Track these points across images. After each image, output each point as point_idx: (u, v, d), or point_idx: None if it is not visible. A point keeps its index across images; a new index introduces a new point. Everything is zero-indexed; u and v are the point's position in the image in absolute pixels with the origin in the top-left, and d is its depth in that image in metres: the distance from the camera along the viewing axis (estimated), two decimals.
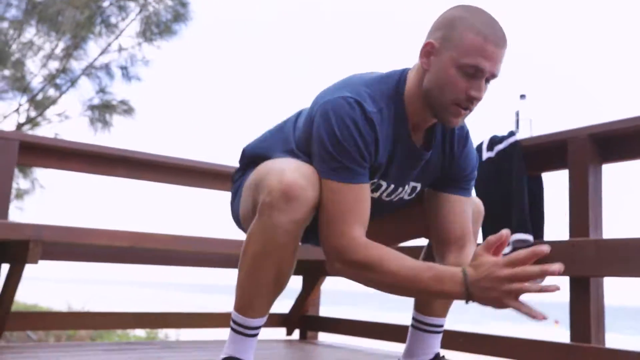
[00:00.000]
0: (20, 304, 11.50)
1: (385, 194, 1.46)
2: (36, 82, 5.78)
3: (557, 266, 1.16)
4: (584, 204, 2.15)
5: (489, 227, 2.33)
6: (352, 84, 1.34)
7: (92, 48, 5.88)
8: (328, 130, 1.27)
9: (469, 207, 1.52)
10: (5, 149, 2.62)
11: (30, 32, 5.57)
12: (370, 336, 3.00)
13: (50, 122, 5.94)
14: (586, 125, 2.19)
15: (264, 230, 1.26)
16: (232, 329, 1.37)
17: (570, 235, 2.18)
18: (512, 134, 2.41)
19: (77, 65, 5.80)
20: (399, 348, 2.81)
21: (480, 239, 2.38)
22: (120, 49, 5.89)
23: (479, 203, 1.63)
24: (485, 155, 2.43)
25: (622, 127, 2.09)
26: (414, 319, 1.65)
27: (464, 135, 1.49)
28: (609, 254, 2.00)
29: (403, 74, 1.38)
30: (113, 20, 5.74)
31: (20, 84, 5.58)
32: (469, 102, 1.30)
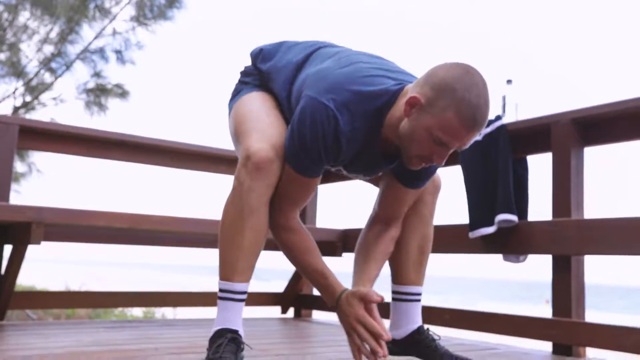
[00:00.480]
0: (17, 285, 11.59)
1: (345, 173, 1.62)
2: (31, 66, 5.80)
3: (382, 352, 1.43)
4: (566, 186, 2.24)
5: (476, 206, 2.42)
6: (340, 90, 1.38)
7: (87, 32, 5.90)
8: (301, 128, 1.39)
9: (414, 195, 1.64)
10: (5, 133, 2.68)
11: (24, 16, 5.59)
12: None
13: (46, 105, 5.97)
14: (569, 110, 2.26)
15: (239, 197, 1.42)
16: (220, 298, 1.46)
17: (553, 216, 2.27)
18: (498, 118, 2.48)
19: (72, 50, 5.82)
20: (387, 324, 2.92)
21: (463, 217, 2.47)
22: (115, 33, 5.90)
23: (436, 178, 1.73)
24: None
25: (603, 111, 2.17)
26: (392, 291, 1.76)
27: None
28: (589, 234, 2.09)
29: (394, 95, 1.42)
30: (107, 4, 5.74)
31: (15, 68, 5.60)
32: (429, 162, 1.40)
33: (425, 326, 1.72)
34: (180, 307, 3.23)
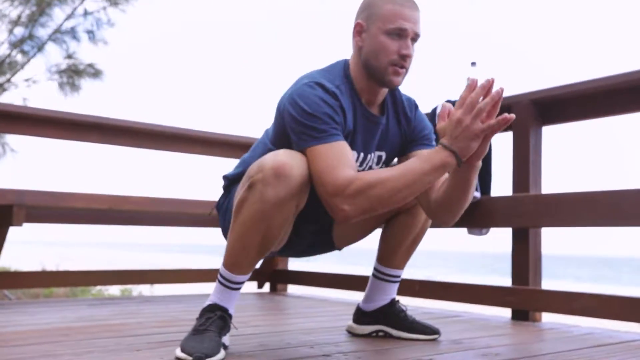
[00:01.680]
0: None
1: (357, 163, 1.61)
2: (3, 49, 5.75)
3: (488, 80, 1.34)
4: (525, 163, 2.37)
5: None
6: (306, 76, 1.53)
7: (58, 13, 5.85)
8: (297, 110, 1.44)
9: None
10: None
11: None
12: (334, 287, 3.24)
13: (18, 87, 5.93)
14: (528, 91, 2.39)
15: (254, 202, 1.40)
16: (219, 282, 1.53)
17: (513, 191, 2.41)
18: None
19: (43, 31, 5.77)
20: (359, 296, 3.06)
21: None
22: (86, 14, 5.87)
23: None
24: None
25: (560, 92, 2.30)
26: (375, 269, 1.85)
27: (412, 104, 1.70)
28: (546, 208, 2.23)
29: (345, 62, 1.61)
30: None
31: None
32: (402, 60, 1.51)
33: (396, 298, 1.85)
34: (159, 284, 3.32)
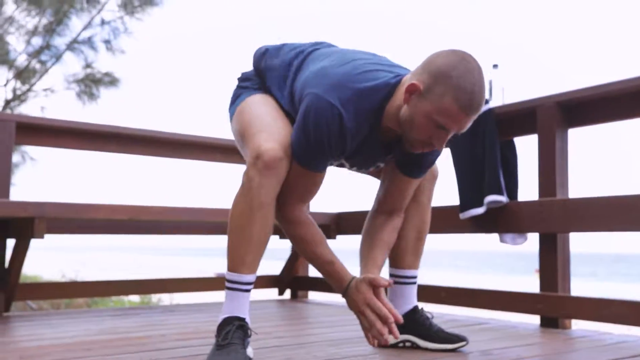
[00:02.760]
0: (24, 275, 11.63)
1: (347, 167, 1.69)
2: (22, 59, 5.79)
3: (386, 337, 1.47)
4: (551, 166, 2.32)
5: (465, 189, 2.50)
6: (343, 89, 1.44)
7: (75, 23, 5.88)
8: (305, 126, 1.44)
9: (415, 185, 1.70)
10: (3, 130, 2.72)
11: (10, 8, 5.56)
12: None
13: (37, 96, 5.97)
14: (553, 93, 2.34)
15: (249, 192, 1.47)
16: (228, 288, 1.52)
17: (539, 196, 2.36)
18: (485, 102, 2.56)
19: (61, 41, 5.81)
20: None
21: (454, 199, 2.56)
22: (103, 23, 5.89)
23: (434, 166, 1.79)
24: None
25: (585, 94, 2.25)
26: (390, 274, 1.84)
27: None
28: (573, 212, 2.18)
29: (393, 87, 1.49)
30: None
31: (4, 60, 5.59)
32: (431, 146, 1.46)
33: (420, 306, 1.81)
34: (178, 293, 3.31)
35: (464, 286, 2.62)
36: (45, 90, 5.89)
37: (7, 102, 5.61)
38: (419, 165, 1.64)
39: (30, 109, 6.02)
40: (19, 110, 5.81)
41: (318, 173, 1.53)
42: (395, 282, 1.82)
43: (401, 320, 1.46)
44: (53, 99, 5.97)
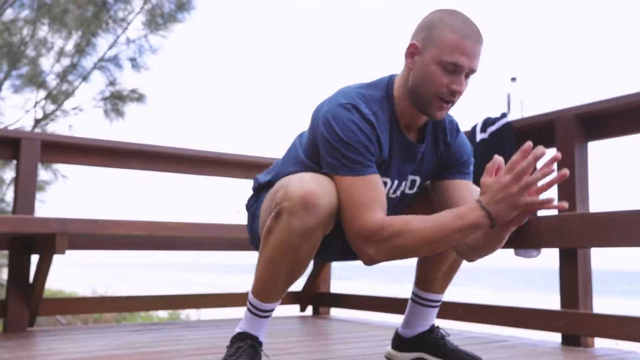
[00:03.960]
0: (46, 290, 11.88)
1: (391, 190, 1.57)
2: (51, 78, 5.97)
3: (540, 149, 1.25)
4: (570, 180, 2.28)
5: None
6: (345, 92, 1.46)
7: (102, 42, 6.05)
8: (332, 134, 1.38)
9: (472, 188, 1.61)
10: (29, 149, 2.79)
11: (44, 30, 5.75)
12: (377, 310, 3.17)
13: (66, 115, 6.13)
14: (572, 105, 2.31)
15: (281, 231, 1.37)
16: (248, 309, 1.52)
17: (558, 210, 2.31)
18: (504, 115, 2.53)
19: (88, 60, 5.98)
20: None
21: None
22: (128, 42, 6.04)
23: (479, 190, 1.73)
24: (479, 137, 2.55)
25: (605, 106, 2.21)
26: (413, 293, 1.79)
27: (454, 128, 1.62)
28: (593, 227, 2.13)
29: (391, 79, 1.52)
30: (120, 14, 5.88)
31: (35, 81, 5.76)
32: (451, 96, 1.42)
33: (436, 324, 1.78)
34: (203, 308, 3.33)
35: (482, 302, 2.58)
36: (73, 109, 6.06)
37: (37, 122, 5.78)
38: (460, 158, 1.59)
39: (59, 127, 6.19)
40: (48, 129, 5.97)
41: (370, 176, 1.38)
42: (418, 303, 1.78)
43: (540, 151, 1.24)
44: (81, 117, 6.15)
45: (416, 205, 1.65)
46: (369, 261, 1.38)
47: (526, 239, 2.36)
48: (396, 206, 1.60)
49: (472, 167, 1.64)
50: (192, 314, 8.67)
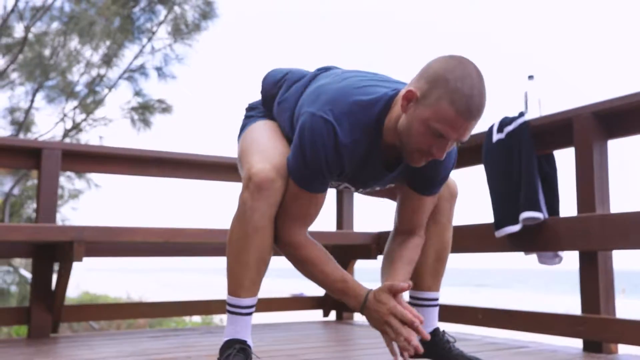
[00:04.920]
0: (91, 294, 12.13)
1: (353, 189, 1.65)
2: (79, 89, 6.11)
3: (416, 343, 1.41)
4: (589, 180, 2.20)
5: (500, 205, 2.41)
6: (338, 105, 1.42)
7: (128, 53, 6.16)
8: (302, 144, 1.42)
9: (431, 202, 1.65)
10: (50, 158, 2.85)
11: (74, 41, 5.89)
12: None
13: (95, 126, 6.27)
14: (590, 103, 2.23)
15: (243, 216, 1.46)
16: (228, 312, 1.53)
17: (578, 211, 2.24)
18: (521, 114, 2.47)
19: (115, 70, 6.10)
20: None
21: (490, 216, 2.47)
22: (154, 51, 6.14)
23: (452, 185, 1.72)
24: (496, 137, 2.49)
25: (624, 103, 2.12)
26: (409, 296, 1.78)
27: (439, 161, 1.57)
28: (614, 228, 2.05)
29: (390, 100, 1.45)
30: (147, 25, 5.99)
31: (65, 92, 5.91)
32: (431, 155, 1.41)
33: (441, 329, 1.74)
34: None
35: (502, 307, 2.51)
36: (102, 119, 6.19)
37: (67, 132, 5.92)
38: (431, 181, 1.58)
39: (89, 137, 6.34)
40: (81, 139, 6.12)
41: (317, 194, 1.49)
42: (415, 305, 1.76)
43: (422, 319, 1.42)
44: (110, 127, 6.28)
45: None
46: (279, 247, 1.57)
47: (545, 241, 2.29)
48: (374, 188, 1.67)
49: (443, 184, 1.65)
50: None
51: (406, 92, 1.36)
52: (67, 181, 6.49)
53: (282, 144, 1.58)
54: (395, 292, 1.44)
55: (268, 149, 1.53)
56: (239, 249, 1.48)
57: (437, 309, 1.76)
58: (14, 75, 6.00)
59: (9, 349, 2.32)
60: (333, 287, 1.53)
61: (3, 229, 2.42)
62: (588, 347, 2.15)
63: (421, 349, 1.40)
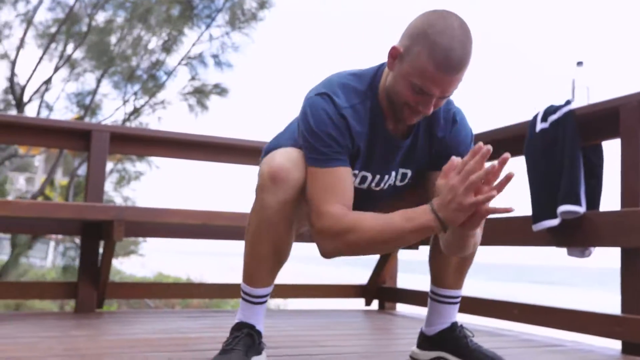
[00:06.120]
0: (164, 275, 12.59)
1: (373, 184, 1.53)
2: (140, 74, 6.31)
3: (487, 148, 1.21)
4: (635, 173, 2.07)
5: (539, 198, 2.31)
6: (329, 81, 1.44)
7: (187, 40, 6.31)
8: (305, 122, 1.40)
9: None
10: (99, 140, 2.96)
11: (138, 28, 6.09)
12: None
13: (156, 109, 6.48)
14: (637, 91, 2.09)
15: (258, 210, 1.42)
16: (242, 297, 1.53)
17: (621, 206, 2.11)
18: (567, 103, 2.35)
19: (175, 57, 6.26)
20: (468, 318, 2.86)
21: (528, 202, 2.37)
22: (211, 39, 6.25)
23: None
24: (539, 126, 2.38)
25: None
26: (430, 291, 1.72)
27: (450, 119, 1.51)
28: None
29: (380, 69, 1.46)
30: (205, 12, 6.10)
31: (128, 77, 6.13)
32: (418, 112, 1.36)
33: (459, 323, 1.69)
34: (290, 298, 3.34)
35: (538, 304, 2.41)
36: (161, 103, 6.37)
37: (128, 116, 6.14)
38: (456, 152, 1.48)
39: (149, 120, 6.55)
40: (138, 123, 6.34)
41: (336, 168, 1.38)
42: (435, 300, 1.70)
43: (487, 148, 1.21)
44: (168, 112, 6.48)
45: (409, 196, 1.58)
46: (324, 254, 1.40)
47: (585, 236, 2.18)
48: (383, 194, 1.57)
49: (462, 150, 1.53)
50: (281, 304, 8.85)
51: (390, 49, 1.35)
52: (130, 163, 6.77)
53: (297, 147, 1.49)
54: (446, 173, 1.26)
55: (283, 150, 1.47)
56: (254, 241, 1.45)
57: (457, 306, 1.71)
58: (82, 62, 6.28)
59: (50, 321, 2.44)
60: (397, 221, 1.31)
61: (50, 207, 2.55)
62: (628, 350, 2.03)
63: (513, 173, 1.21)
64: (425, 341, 1.71)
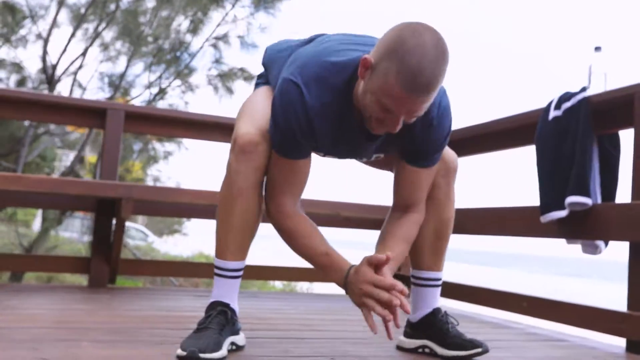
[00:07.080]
0: (204, 255, 12.75)
1: (346, 160, 1.59)
2: (168, 56, 6.34)
3: (399, 301, 1.31)
4: None
5: (548, 188, 2.24)
6: (308, 69, 1.37)
7: (213, 21, 6.30)
8: (275, 111, 1.40)
9: (426, 176, 1.55)
10: (114, 118, 2.99)
11: (166, 10, 6.13)
12: (451, 297, 2.98)
13: (184, 92, 6.51)
14: None
15: (228, 180, 1.47)
16: (215, 274, 1.54)
17: (632, 198, 2.02)
18: (583, 89, 2.26)
19: (200, 38, 6.27)
20: (477, 309, 2.80)
21: (537, 192, 2.30)
22: (235, 20, 6.23)
23: (449, 160, 1.60)
24: (552, 114, 2.30)
25: None
26: (411, 275, 1.71)
27: (428, 122, 1.45)
28: None
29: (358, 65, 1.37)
30: None
31: (155, 58, 6.18)
32: (386, 127, 1.32)
33: (443, 310, 1.66)
34: (316, 282, 3.34)
35: (547, 297, 2.35)
36: (186, 84, 6.40)
37: (153, 98, 6.20)
38: (422, 153, 1.49)
39: (174, 101, 6.59)
40: (164, 104, 6.40)
41: (296, 161, 1.45)
42: (415, 284, 1.69)
43: (406, 290, 1.32)
44: (194, 95, 6.51)
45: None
46: (268, 216, 1.54)
47: (593, 229, 2.11)
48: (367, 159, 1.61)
49: (439, 155, 1.54)
50: (305, 288, 8.89)
51: (362, 59, 1.29)
52: (159, 143, 6.85)
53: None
54: (375, 264, 1.37)
55: (257, 112, 1.51)
56: (225, 212, 1.49)
57: (438, 289, 1.68)
58: (114, 42, 6.35)
59: (60, 294, 2.49)
60: (316, 260, 1.48)
61: (61, 183, 2.59)
62: (632, 348, 1.97)
63: (408, 308, 1.32)
64: (411, 328, 1.69)
